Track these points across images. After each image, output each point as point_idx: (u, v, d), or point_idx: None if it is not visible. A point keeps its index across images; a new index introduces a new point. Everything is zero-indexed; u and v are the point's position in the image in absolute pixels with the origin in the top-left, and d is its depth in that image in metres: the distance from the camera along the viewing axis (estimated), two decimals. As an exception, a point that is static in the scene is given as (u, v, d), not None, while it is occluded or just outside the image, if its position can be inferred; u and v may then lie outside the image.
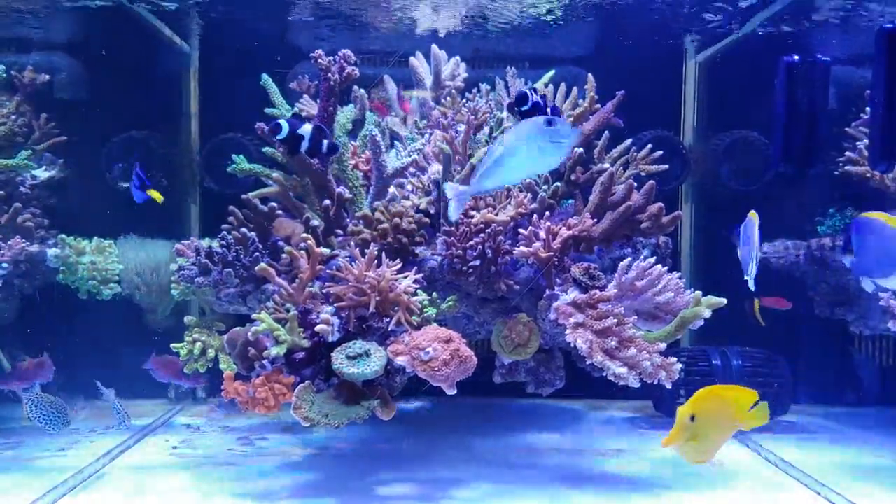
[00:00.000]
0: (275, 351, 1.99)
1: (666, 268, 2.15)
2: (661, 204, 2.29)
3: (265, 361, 2.09)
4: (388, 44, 3.24)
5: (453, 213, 1.88)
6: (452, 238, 2.25)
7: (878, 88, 2.01)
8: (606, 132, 2.54)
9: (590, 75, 2.58)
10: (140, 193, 2.54)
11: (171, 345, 2.70)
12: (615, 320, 2.00)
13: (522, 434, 2.69)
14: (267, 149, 2.61)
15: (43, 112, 3.01)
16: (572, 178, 2.44)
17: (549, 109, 2.10)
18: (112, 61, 3.13)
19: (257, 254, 2.37)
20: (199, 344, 2.69)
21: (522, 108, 2.11)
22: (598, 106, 2.60)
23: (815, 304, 2.99)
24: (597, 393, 3.13)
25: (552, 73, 2.77)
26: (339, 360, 1.97)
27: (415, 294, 2.12)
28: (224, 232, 2.43)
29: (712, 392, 1.59)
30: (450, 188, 1.89)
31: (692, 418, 1.56)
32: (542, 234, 2.19)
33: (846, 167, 2.82)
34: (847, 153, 2.83)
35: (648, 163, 2.54)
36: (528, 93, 2.11)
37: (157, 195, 2.53)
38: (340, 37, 3.20)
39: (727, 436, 1.64)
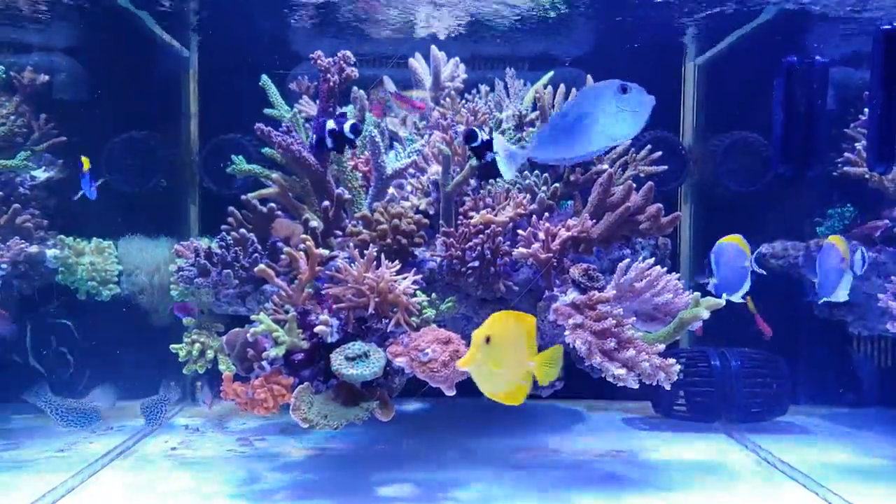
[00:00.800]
0: (274, 352, 1.99)
1: (665, 269, 2.15)
2: (659, 205, 2.29)
3: (264, 362, 2.09)
4: (387, 45, 3.24)
5: (506, 172, 1.71)
6: (451, 239, 2.25)
7: (876, 89, 2.01)
8: (605, 133, 2.54)
9: (588, 76, 2.58)
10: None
11: (171, 346, 2.70)
12: (614, 321, 2.00)
13: (521, 435, 2.69)
14: (266, 149, 2.61)
15: (42, 113, 3.01)
16: (571, 178, 2.44)
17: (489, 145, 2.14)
18: (111, 62, 3.14)
19: (256, 255, 2.37)
20: (197, 345, 2.69)
21: (472, 144, 2.19)
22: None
23: (813, 306, 2.99)
24: (596, 394, 3.13)
25: (551, 74, 2.77)
26: (338, 361, 1.97)
27: (414, 295, 2.12)
28: (223, 233, 2.43)
29: (506, 315, 1.57)
30: (501, 144, 1.72)
31: (487, 340, 1.53)
32: (541, 235, 2.19)
33: (845, 168, 2.83)
34: (846, 154, 2.84)
35: (647, 164, 2.54)
36: (477, 130, 2.19)
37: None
38: (340, 38, 3.20)
39: (521, 369, 1.60)
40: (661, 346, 2.01)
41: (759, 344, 2.87)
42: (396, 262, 2.13)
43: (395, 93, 2.78)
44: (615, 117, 1.53)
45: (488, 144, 2.16)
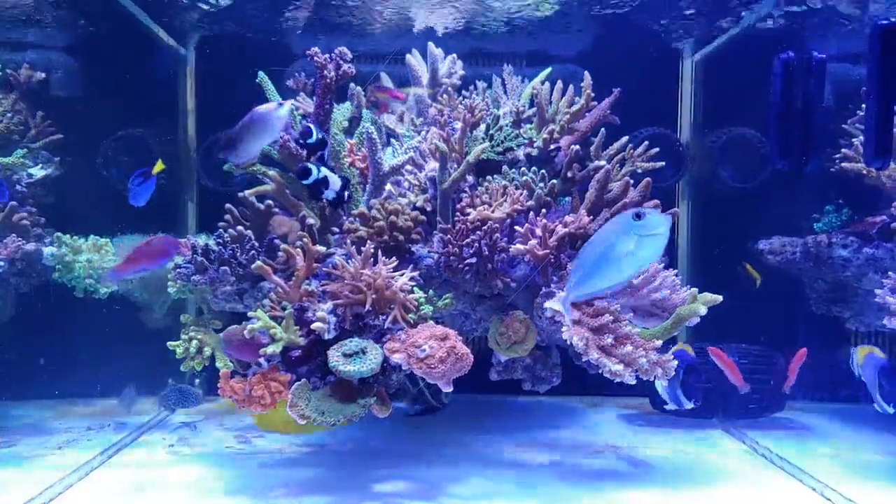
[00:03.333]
0: (271, 349, 1.99)
1: (662, 265, 2.15)
2: (657, 201, 2.29)
3: (261, 359, 2.09)
4: (384, 42, 3.24)
5: (568, 318, 1.88)
6: (448, 235, 2.25)
7: (872, 85, 2.01)
8: (603, 129, 2.55)
9: (586, 73, 2.58)
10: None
11: (168, 343, 2.70)
12: (611, 317, 2.01)
13: (519, 431, 2.70)
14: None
15: (39, 110, 3.01)
16: (569, 175, 2.44)
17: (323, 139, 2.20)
18: (108, 59, 3.13)
19: (253, 252, 2.37)
20: (195, 342, 2.69)
21: (308, 140, 2.21)
22: (595, 103, 2.60)
23: (811, 301, 2.99)
24: (593, 390, 3.13)
25: (549, 70, 2.77)
26: (335, 357, 1.97)
27: (411, 292, 2.13)
28: (220, 230, 2.43)
29: None
30: (556, 303, 1.89)
31: None
32: (539, 232, 2.19)
33: (842, 164, 2.83)
34: (843, 150, 2.84)
35: (645, 160, 2.54)
36: (312, 128, 2.21)
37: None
38: (336, 34, 3.20)
39: None
40: (659, 342, 2.01)
41: (757, 340, 2.87)
42: (394, 258, 2.13)
43: (377, 85, 2.79)
44: (637, 244, 1.59)
45: (322, 142, 2.23)
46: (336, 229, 2.40)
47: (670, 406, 2.25)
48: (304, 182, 2.16)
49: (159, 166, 2.52)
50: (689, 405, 2.21)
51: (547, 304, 2.02)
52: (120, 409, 2.93)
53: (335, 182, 2.19)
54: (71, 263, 2.82)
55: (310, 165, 2.15)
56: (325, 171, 2.17)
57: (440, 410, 2.88)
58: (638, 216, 1.57)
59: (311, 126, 2.23)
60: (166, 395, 2.96)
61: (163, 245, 2.27)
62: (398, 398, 2.82)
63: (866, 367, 2.19)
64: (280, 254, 2.27)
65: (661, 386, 2.25)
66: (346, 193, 2.24)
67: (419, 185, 2.51)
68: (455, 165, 2.38)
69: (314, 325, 2.02)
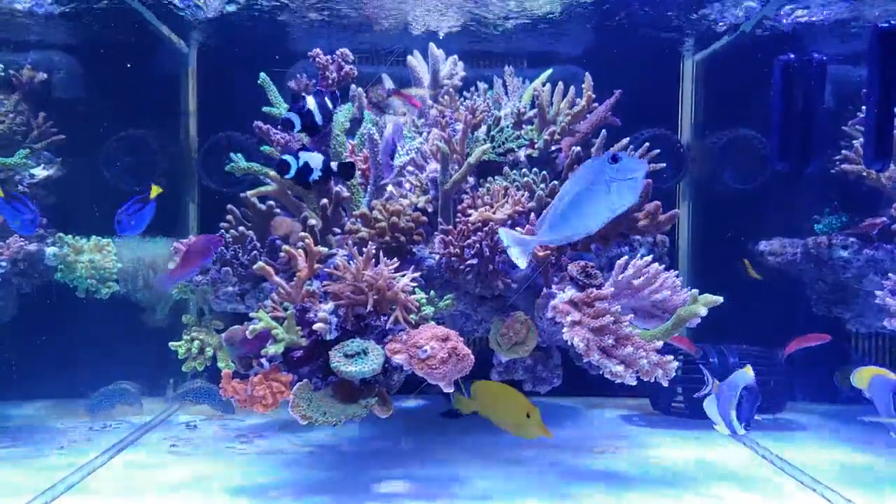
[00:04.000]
0: (273, 349, 1.99)
1: (663, 266, 2.15)
2: (658, 202, 2.30)
3: (263, 360, 2.09)
4: (386, 42, 3.24)
5: (519, 261, 1.74)
6: (450, 236, 2.25)
7: (872, 87, 2.01)
8: (604, 131, 2.55)
9: (587, 74, 2.59)
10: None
11: (170, 343, 2.71)
12: (612, 318, 2.01)
13: (520, 432, 2.70)
14: (265, 147, 2.61)
15: (41, 111, 3.01)
16: (570, 176, 2.45)
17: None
18: (110, 60, 3.14)
19: (255, 252, 2.38)
20: (197, 342, 2.70)
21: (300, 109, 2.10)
22: (596, 105, 2.61)
23: (812, 302, 3.00)
24: (594, 391, 3.13)
25: (550, 71, 2.77)
26: (336, 358, 1.97)
27: (412, 292, 2.13)
28: (222, 230, 2.43)
29: None
30: (507, 236, 1.76)
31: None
32: (540, 233, 2.20)
33: (842, 166, 2.83)
34: (843, 152, 2.84)
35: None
36: (289, 159, 2.10)
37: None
38: (339, 36, 3.20)
39: None
40: (659, 343, 2.02)
41: (758, 341, 2.88)
42: (395, 259, 2.14)
43: (394, 89, 2.78)
44: (612, 189, 1.56)
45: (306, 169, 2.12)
46: (337, 230, 2.41)
47: (721, 429, 2.06)
48: (287, 177, 2.11)
49: (156, 190, 2.42)
50: (741, 430, 2.01)
51: (507, 246, 1.82)
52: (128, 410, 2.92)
53: (317, 160, 2.11)
54: (73, 264, 2.83)
55: (286, 158, 2.08)
56: (304, 155, 2.09)
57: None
58: (614, 159, 1.54)
59: (288, 158, 2.11)
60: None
61: (206, 244, 2.26)
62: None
63: (877, 389, 2.13)
64: (282, 254, 2.27)
65: (711, 408, 2.09)
66: (334, 165, 2.16)
67: (420, 185, 2.52)
68: (456, 167, 2.39)
69: (316, 326, 2.02)
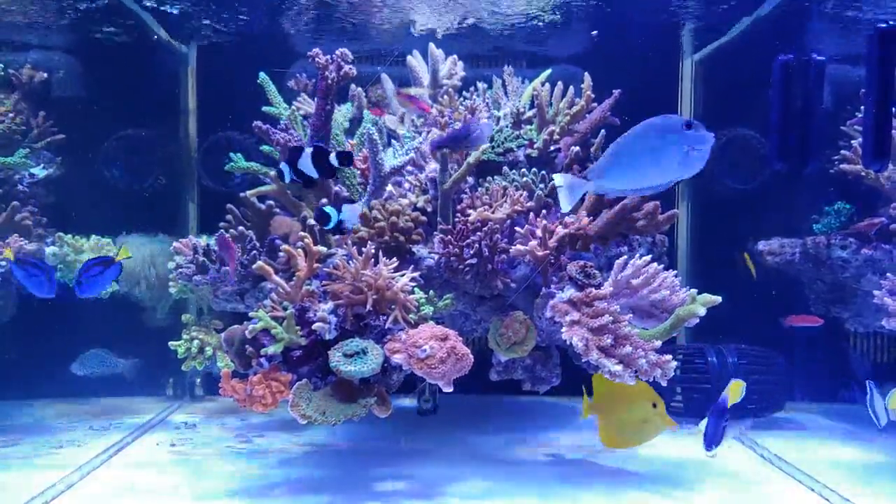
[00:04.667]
0: (272, 349, 2.00)
1: (662, 266, 2.16)
2: (657, 202, 2.30)
3: (262, 359, 2.09)
4: (385, 43, 3.25)
5: (565, 204, 1.66)
6: (449, 236, 2.26)
7: (871, 87, 2.02)
8: (603, 130, 2.55)
9: (586, 74, 2.59)
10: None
11: (169, 343, 2.71)
12: (611, 318, 2.01)
13: (519, 431, 2.70)
14: (265, 147, 2.61)
15: (41, 110, 3.01)
16: (569, 176, 2.45)
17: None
18: (110, 59, 3.14)
19: (255, 252, 2.38)
20: (196, 342, 2.70)
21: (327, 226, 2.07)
22: (595, 105, 2.61)
23: (810, 302, 3.00)
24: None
25: (549, 71, 2.78)
26: (336, 357, 1.98)
27: (412, 292, 2.13)
28: (221, 230, 2.43)
29: None
30: (561, 177, 1.69)
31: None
32: (539, 233, 2.20)
33: (841, 166, 2.84)
34: (842, 151, 2.85)
35: (644, 161, 2.55)
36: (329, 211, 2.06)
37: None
38: (338, 35, 3.20)
39: None
40: (658, 343, 2.02)
41: (757, 340, 2.88)
42: (394, 259, 2.14)
43: (404, 93, 2.78)
44: (682, 155, 1.52)
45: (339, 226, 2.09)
46: (337, 230, 2.41)
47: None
48: (326, 228, 2.09)
49: (124, 253, 2.34)
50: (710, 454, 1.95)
51: (558, 186, 1.72)
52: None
53: (353, 214, 2.10)
54: (73, 263, 2.83)
55: (328, 210, 2.06)
56: (345, 210, 2.07)
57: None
58: (688, 125, 1.50)
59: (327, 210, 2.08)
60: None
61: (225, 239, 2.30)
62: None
63: None
64: (281, 254, 2.27)
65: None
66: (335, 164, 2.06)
67: (420, 185, 2.52)
68: (456, 166, 2.39)
69: (315, 326, 2.03)
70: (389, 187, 2.49)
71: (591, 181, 1.64)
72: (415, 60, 2.91)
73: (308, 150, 2.00)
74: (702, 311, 2.01)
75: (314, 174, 2.01)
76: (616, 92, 2.58)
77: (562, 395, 3.05)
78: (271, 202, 2.56)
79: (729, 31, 3.12)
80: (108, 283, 2.37)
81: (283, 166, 2.03)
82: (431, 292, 2.24)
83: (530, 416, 2.93)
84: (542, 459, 2.39)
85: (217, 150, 3.05)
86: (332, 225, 2.07)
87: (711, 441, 1.92)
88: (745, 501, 2.08)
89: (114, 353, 2.87)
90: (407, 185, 2.55)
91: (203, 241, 2.54)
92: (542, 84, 2.67)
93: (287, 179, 2.04)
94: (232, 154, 2.58)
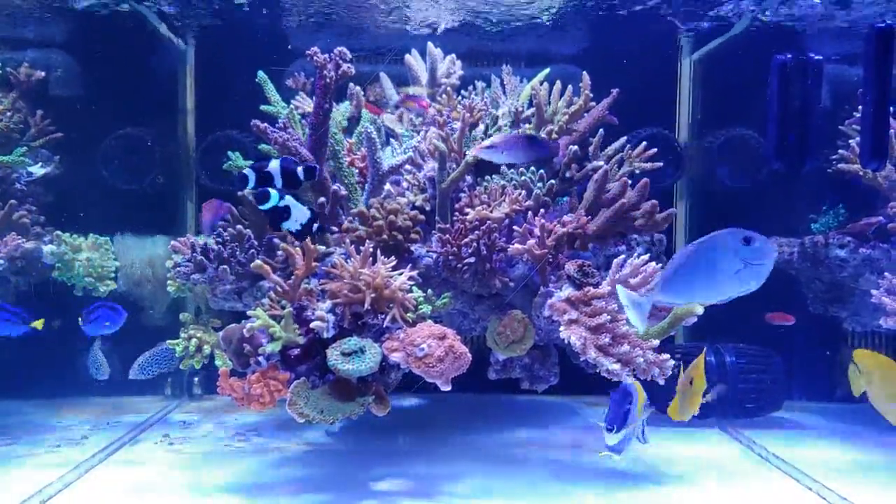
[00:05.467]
0: (270, 347, 2.00)
1: (660, 265, 2.16)
2: (655, 201, 2.30)
3: (260, 358, 2.09)
4: (383, 41, 3.24)
5: (638, 323, 1.67)
6: (447, 235, 2.26)
7: (869, 87, 2.02)
8: (601, 130, 2.56)
9: (585, 73, 2.59)
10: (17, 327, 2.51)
11: (167, 341, 2.70)
12: (609, 317, 2.02)
13: (517, 430, 2.70)
14: (263, 146, 2.61)
15: (39, 109, 3.01)
16: (567, 175, 2.46)
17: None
18: (108, 57, 3.14)
19: (253, 251, 2.38)
20: (194, 340, 2.70)
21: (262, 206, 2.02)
22: (593, 104, 2.61)
23: (808, 302, 3.01)
24: (591, 389, 3.13)
25: (547, 71, 2.78)
26: (334, 356, 1.98)
27: (410, 291, 2.13)
28: (220, 229, 2.43)
29: None
30: (626, 295, 1.71)
31: None
32: (537, 232, 2.20)
33: (839, 165, 2.84)
34: (840, 151, 2.85)
35: (643, 160, 2.55)
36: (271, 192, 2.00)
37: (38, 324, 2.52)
38: (337, 34, 3.20)
39: None
40: (656, 342, 2.02)
41: (754, 340, 2.88)
42: (392, 258, 2.14)
43: (406, 94, 2.78)
44: (743, 270, 1.52)
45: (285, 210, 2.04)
46: (335, 228, 2.41)
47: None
48: (260, 207, 2.02)
49: (39, 323, 2.53)
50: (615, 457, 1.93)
51: (625, 306, 1.72)
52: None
53: (301, 214, 2.05)
54: (70, 262, 2.83)
55: (270, 191, 2.00)
56: (290, 199, 2.02)
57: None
58: (747, 241, 1.51)
59: (270, 190, 2.02)
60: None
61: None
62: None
63: None
64: (279, 253, 2.27)
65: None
66: (315, 226, 2.09)
67: (418, 184, 2.52)
68: (454, 165, 2.39)
69: (313, 324, 2.02)
70: (388, 186, 2.49)
71: (654, 294, 1.65)
72: (413, 59, 2.91)
73: (276, 163, 2.02)
74: (699, 310, 2.01)
75: (278, 183, 2.01)
76: (614, 91, 2.58)
77: (560, 393, 3.06)
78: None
79: (727, 32, 3.12)
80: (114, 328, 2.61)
81: (249, 171, 2.01)
82: (429, 291, 2.24)
83: (528, 414, 2.93)
84: (539, 458, 2.39)
85: (215, 148, 3.04)
86: (267, 206, 2.00)
87: (612, 421, 1.90)
88: (741, 499, 2.08)
89: (114, 353, 2.87)
90: (405, 184, 2.55)
91: (201, 240, 2.53)
92: (541, 83, 2.67)
93: (251, 186, 2.02)
94: (230, 153, 2.57)
